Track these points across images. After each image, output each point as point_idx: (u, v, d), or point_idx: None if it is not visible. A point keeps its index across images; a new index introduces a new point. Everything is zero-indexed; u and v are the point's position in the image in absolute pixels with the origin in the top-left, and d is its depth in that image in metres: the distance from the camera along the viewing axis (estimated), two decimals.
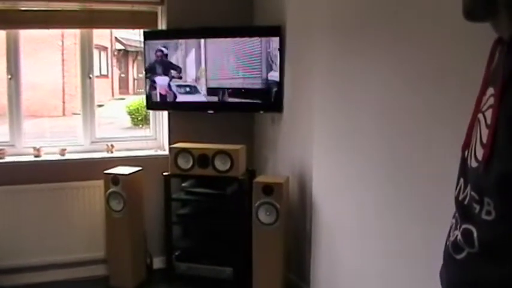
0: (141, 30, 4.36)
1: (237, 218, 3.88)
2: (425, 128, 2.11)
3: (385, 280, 2.50)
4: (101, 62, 6.91)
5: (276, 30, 3.90)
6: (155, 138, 4.59)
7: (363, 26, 2.67)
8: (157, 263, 4.31)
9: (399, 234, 2.35)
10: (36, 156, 4.16)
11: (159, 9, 4.35)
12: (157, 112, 4.55)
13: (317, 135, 3.30)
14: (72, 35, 5.45)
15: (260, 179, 3.70)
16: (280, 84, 3.94)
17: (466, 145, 0.91)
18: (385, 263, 2.50)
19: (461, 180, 0.90)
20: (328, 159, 3.20)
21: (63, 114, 6.87)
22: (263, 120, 4.34)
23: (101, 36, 6.35)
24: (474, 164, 0.83)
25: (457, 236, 0.88)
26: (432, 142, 2.05)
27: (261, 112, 4.22)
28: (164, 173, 3.96)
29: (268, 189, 3.53)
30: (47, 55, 6.61)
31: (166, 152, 4.24)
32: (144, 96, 4.38)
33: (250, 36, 4.04)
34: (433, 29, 2.03)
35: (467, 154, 0.89)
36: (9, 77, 4.18)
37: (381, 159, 2.51)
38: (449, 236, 0.93)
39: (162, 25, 4.35)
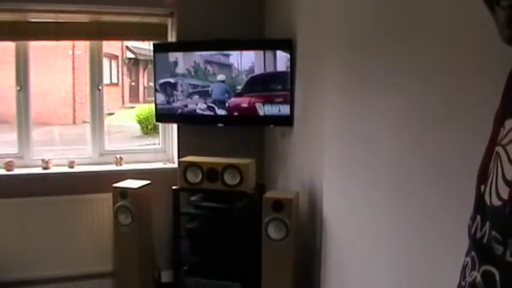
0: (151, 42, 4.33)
1: (246, 233, 3.82)
2: (439, 144, 2.05)
3: None
4: (111, 71, 6.92)
5: (287, 44, 3.85)
6: (164, 150, 4.56)
7: (378, 41, 2.61)
8: (166, 277, 4.27)
9: (409, 252, 2.29)
10: (44, 168, 4.15)
11: (169, 21, 4.32)
12: (166, 124, 4.51)
13: (327, 150, 3.25)
14: (83, 44, 5.45)
15: (270, 194, 3.64)
16: (291, 97, 3.89)
17: (482, 180, 0.84)
18: (396, 281, 2.44)
19: (478, 217, 0.85)
20: (338, 174, 3.14)
21: (74, 122, 6.89)
22: (273, 134, 4.29)
23: (112, 45, 6.37)
24: (496, 203, 0.77)
25: (475, 277, 0.82)
26: (446, 159, 1.99)
27: (271, 126, 4.17)
28: (173, 187, 3.92)
29: (278, 205, 3.47)
30: (58, 63, 6.63)
31: (175, 165, 4.19)
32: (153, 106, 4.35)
33: (261, 49, 4.00)
34: (454, 45, 1.97)
35: (484, 190, 0.83)
36: (18, 88, 4.16)
37: (392, 176, 2.46)
38: (464, 275, 0.87)
39: (172, 37, 4.33)
